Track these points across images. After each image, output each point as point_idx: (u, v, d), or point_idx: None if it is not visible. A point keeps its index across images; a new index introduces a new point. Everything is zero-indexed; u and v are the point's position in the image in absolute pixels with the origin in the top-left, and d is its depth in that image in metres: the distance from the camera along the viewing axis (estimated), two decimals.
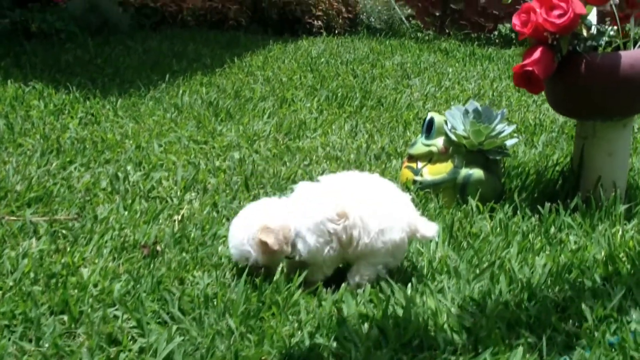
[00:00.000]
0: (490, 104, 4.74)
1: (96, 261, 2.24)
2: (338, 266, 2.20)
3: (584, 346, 1.86)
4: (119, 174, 3.00)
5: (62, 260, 2.20)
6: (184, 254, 2.32)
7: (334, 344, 1.84)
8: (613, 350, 1.84)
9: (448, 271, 2.27)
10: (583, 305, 2.01)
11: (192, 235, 2.47)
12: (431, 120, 2.95)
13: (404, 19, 8.94)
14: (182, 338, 1.84)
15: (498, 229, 2.63)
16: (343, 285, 2.13)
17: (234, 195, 2.89)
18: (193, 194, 2.90)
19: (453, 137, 2.89)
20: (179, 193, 2.89)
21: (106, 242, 2.37)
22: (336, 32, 8.09)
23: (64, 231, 2.45)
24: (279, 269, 2.20)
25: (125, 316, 1.92)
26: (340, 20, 8.24)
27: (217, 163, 3.28)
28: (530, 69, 2.61)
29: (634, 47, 2.75)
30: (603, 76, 2.68)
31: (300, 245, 2.11)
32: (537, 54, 2.63)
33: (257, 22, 7.93)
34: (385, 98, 4.78)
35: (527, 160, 3.42)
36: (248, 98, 4.56)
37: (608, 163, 2.83)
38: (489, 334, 1.88)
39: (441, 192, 2.90)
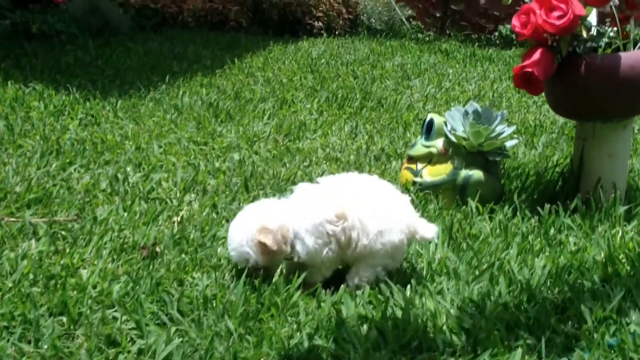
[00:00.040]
0: (490, 105, 4.74)
1: (95, 262, 2.24)
2: (337, 268, 2.20)
3: (583, 348, 1.86)
4: (119, 175, 3.00)
5: (62, 262, 2.20)
6: (183, 256, 2.32)
7: (333, 346, 1.84)
8: (612, 351, 1.83)
9: (447, 272, 2.27)
10: (582, 307, 2.01)
11: (192, 236, 2.47)
12: (431, 122, 2.95)
13: (404, 20, 8.94)
14: (181, 339, 1.84)
15: (497, 230, 2.63)
16: (342, 286, 2.12)
17: (233, 196, 2.89)
18: (192, 195, 2.90)
19: (453, 138, 2.89)
20: (178, 194, 2.89)
21: (105, 243, 2.37)
22: (337, 33, 8.09)
23: (63, 232, 2.45)
24: (278, 270, 2.19)
25: (124, 317, 1.92)
26: (341, 21, 8.24)
27: (217, 164, 3.28)
28: (530, 70, 2.61)
29: (634, 48, 2.75)
30: (603, 77, 2.67)
31: (299, 247, 2.11)
32: (536, 55, 2.63)
33: (257, 23, 7.93)
34: (386, 99, 4.78)
35: (527, 162, 3.42)
36: (248, 99, 4.57)
37: (608, 164, 2.83)
38: (488, 335, 1.87)
39: (441, 194, 2.90)
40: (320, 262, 2.12)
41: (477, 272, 2.26)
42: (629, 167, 3.00)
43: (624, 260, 2.34)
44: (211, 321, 1.92)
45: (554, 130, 4.17)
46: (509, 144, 2.97)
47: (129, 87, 4.62)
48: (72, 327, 1.89)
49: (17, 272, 2.11)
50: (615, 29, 2.75)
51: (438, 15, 8.65)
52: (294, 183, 2.80)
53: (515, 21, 2.69)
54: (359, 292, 2.11)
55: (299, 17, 7.97)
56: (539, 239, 2.56)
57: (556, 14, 2.58)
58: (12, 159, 3.13)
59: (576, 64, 2.68)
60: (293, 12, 7.95)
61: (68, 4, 6.25)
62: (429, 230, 2.20)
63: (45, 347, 1.79)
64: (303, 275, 2.11)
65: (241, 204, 2.73)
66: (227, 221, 2.53)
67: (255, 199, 2.77)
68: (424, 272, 2.29)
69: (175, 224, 2.60)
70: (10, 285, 2.04)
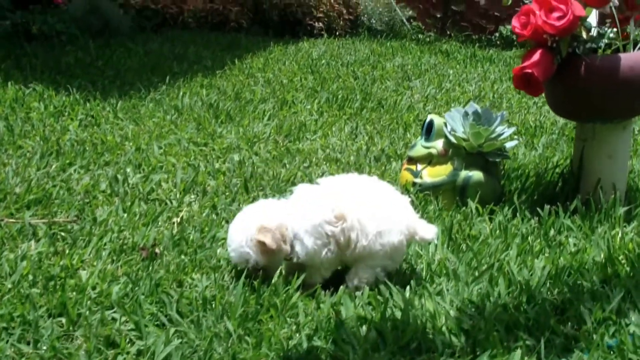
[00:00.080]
0: (490, 105, 4.74)
1: (95, 264, 2.24)
2: (336, 269, 2.20)
3: (583, 349, 1.86)
4: (119, 176, 3.00)
5: (61, 263, 2.20)
6: (182, 257, 2.32)
7: (332, 347, 1.84)
8: (611, 352, 1.83)
9: (447, 274, 2.27)
10: (582, 308, 2.01)
11: (191, 237, 2.47)
12: (431, 123, 2.95)
13: (405, 20, 8.95)
14: (180, 341, 1.84)
15: (497, 231, 2.63)
16: (341, 287, 2.12)
17: (233, 197, 2.89)
18: (192, 196, 2.91)
19: (453, 139, 2.89)
20: (178, 195, 2.89)
21: (105, 244, 2.37)
22: (337, 33, 8.09)
23: (62, 233, 2.45)
24: (277, 271, 2.19)
25: (123, 319, 1.92)
26: (341, 22, 8.24)
27: (217, 165, 3.28)
28: (529, 71, 2.60)
29: (634, 49, 2.75)
30: (602, 78, 2.67)
31: (298, 247, 2.11)
32: (536, 56, 2.63)
33: (258, 23, 7.93)
34: (386, 100, 4.78)
35: (527, 163, 3.42)
36: (248, 100, 4.57)
37: (608, 165, 2.83)
38: (488, 336, 1.87)
39: (441, 195, 2.90)
40: (320, 263, 2.12)
41: (476, 273, 2.26)
42: (628, 168, 3.00)
43: (623, 262, 2.34)
44: (210, 322, 1.92)
45: (554, 131, 4.17)
46: (508, 145, 2.98)
47: (129, 88, 4.62)
48: (71, 328, 1.89)
49: (16, 273, 2.11)
50: (615, 29, 2.75)
51: (439, 15, 8.64)
52: (294, 184, 2.80)
53: (515, 22, 2.69)
54: (358, 293, 2.11)
55: (299, 18, 7.97)
56: (539, 240, 2.56)
57: (556, 15, 2.58)
58: (12, 159, 3.13)
59: (576, 65, 2.68)
60: (293, 12, 7.95)
61: (68, 5, 6.26)
62: (428, 231, 2.20)
63: (45, 348, 1.79)
64: (302, 277, 2.12)
65: (241, 205, 2.73)
66: (227, 222, 2.53)
67: (255, 199, 2.77)
68: (424, 273, 2.29)
69: (175, 225, 2.60)
70: (9, 286, 2.04)
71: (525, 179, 3.10)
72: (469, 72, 6.13)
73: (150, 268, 2.22)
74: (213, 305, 2.01)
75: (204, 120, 3.98)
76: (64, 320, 1.91)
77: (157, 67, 5.42)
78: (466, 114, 2.93)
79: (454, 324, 1.95)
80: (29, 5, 5.95)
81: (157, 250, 2.36)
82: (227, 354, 1.80)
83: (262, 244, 2.08)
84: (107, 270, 2.18)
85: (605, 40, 2.76)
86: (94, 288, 2.07)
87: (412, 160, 3.01)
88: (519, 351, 1.81)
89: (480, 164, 2.89)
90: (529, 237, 2.57)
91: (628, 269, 2.29)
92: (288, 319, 1.97)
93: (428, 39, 8.17)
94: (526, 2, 2.70)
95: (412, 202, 2.42)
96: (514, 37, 7.85)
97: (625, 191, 2.88)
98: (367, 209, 2.10)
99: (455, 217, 2.74)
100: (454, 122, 2.92)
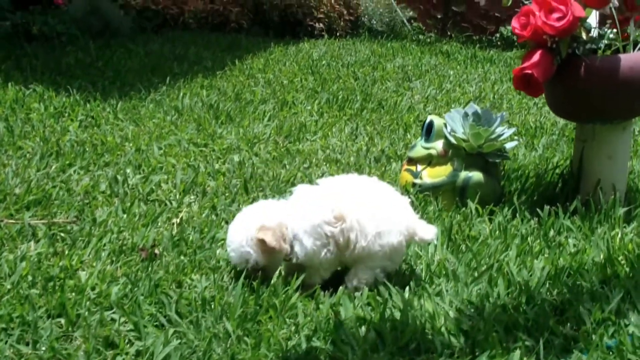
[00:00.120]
0: (491, 106, 4.74)
1: (94, 264, 2.24)
2: (336, 269, 2.20)
3: (582, 349, 1.85)
4: (118, 177, 3.00)
5: (60, 264, 2.20)
6: (182, 257, 2.32)
7: (331, 347, 1.84)
8: (611, 353, 1.83)
9: (446, 274, 2.27)
10: (581, 308, 2.01)
11: (191, 238, 2.47)
12: (431, 123, 2.95)
13: (405, 21, 8.95)
14: (179, 341, 1.84)
15: (497, 231, 2.63)
16: (341, 288, 2.12)
17: (233, 198, 2.89)
18: (192, 197, 2.91)
19: (452, 140, 2.89)
20: (178, 196, 2.89)
21: (104, 245, 2.37)
22: (337, 34, 8.09)
23: (62, 234, 2.45)
24: (277, 272, 2.19)
25: (122, 319, 1.92)
26: (342, 23, 8.24)
27: (217, 166, 3.28)
28: (529, 72, 2.60)
29: (634, 50, 2.75)
30: (602, 79, 2.67)
31: (297, 248, 2.11)
32: (536, 57, 2.63)
33: (258, 24, 7.93)
34: (386, 100, 4.78)
35: (527, 163, 3.41)
36: (249, 101, 4.57)
37: (608, 166, 2.83)
38: (487, 337, 1.87)
39: (440, 195, 2.90)
40: (319, 264, 2.12)
41: (476, 274, 2.26)
42: (628, 168, 3.00)
43: (623, 262, 2.34)
44: (209, 323, 1.92)
45: (555, 131, 4.17)
46: (508, 145, 2.98)
47: (130, 89, 4.62)
48: (70, 328, 1.89)
49: (15, 273, 2.11)
50: (615, 30, 2.75)
51: (439, 16, 8.65)
52: (294, 185, 2.80)
53: (514, 23, 2.69)
54: (357, 294, 2.11)
55: (299, 19, 7.97)
56: (539, 241, 2.56)
57: (556, 15, 2.58)
58: (11, 160, 3.14)
59: (576, 65, 2.67)
60: (294, 13, 7.96)
61: (69, 5, 6.26)
62: (428, 231, 2.20)
63: (44, 348, 1.79)
64: (302, 277, 2.12)
65: (241, 206, 2.73)
66: (227, 223, 2.53)
67: (254, 200, 2.77)
68: (423, 274, 2.29)
69: (175, 225, 2.60)
70: (8, 287, 2.04)
71: (525, 179, 3.10)
72: (469, 72, 6.13)
73: (150, 269, 2.22)
74: (212, 306, 2.01)
75: (204, 121, 3.98)
76: (63, 320, 1.91)
77: (157, 67, 5.43)
78: (466, 114, 2.93)
79: (453, 324, 1.95)
80: (29, 6, 5.95)
81: (156, 251, 2.36)
82: (226, 355, 1.80)
83: (262, 243, 2.08)
84: (106, 271, 2.18)
85: (605, 41, 2.76)
86: (93, 289, 2.07)
87: (412, 161, 3.01)
88: (518, 352, 1.81)
89: (480, 164, 2.89)
90: (529, 238, 2.57)
91: (627, 269, 2.29)
92: (287, 320, 1.97)
93: (428, 40, 8.17)
94: (526, 2, 2.70)
95: (412, 203, 2.42)
96: (515, 37, 7.85)
97: (625, 192, 2.88)
98: (366, 209, 2.10)
99: (455, 218, 2.74)
100: (454, 123, 2.92)
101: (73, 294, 2.03)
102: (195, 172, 3.12)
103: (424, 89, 5.27)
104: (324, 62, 6.16)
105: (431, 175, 2.93)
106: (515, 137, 3.78)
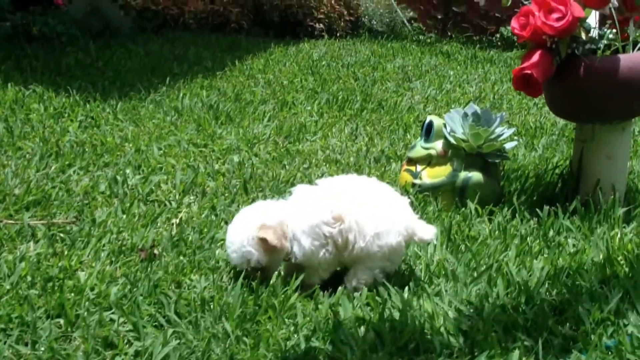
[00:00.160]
0: (491, 107, 4.74)
1: (93, 265, 2.24)
2: (335, 270, 2.20)
3: (581, 349, 1.85)
4: (118, 178, 3.00)
5: (60, 264, 2.20)
6: (181, 258, 2.32)
7: (330, 347, 1.84)
8: (610, 353, 1.83)
9: (446, 274, 2.27)
10: (580, 309, 2.01)
11: (190, 238, 2.47)
12: (430, 124, 2.95)
13: (405, 21, 8.95)
14: (178, 341, 1.84)
15: (496, 232, 2.63)
16: (340, 288, 2.12)
17: (232, 198, 2.89)
18: (192, 198, 2.91)
19: (452, 140, 2.89)
20: (177, 196, 2.89)
21: (104, 245, 2.38)
22: (338, 35, 8.09)
23: (61, 235, 2.45)
24: (276, 272, 2.19)
25: (121, 320, 1.92)
26: (342, 23, 8.24)
27: (217, 166, 3.28)
28: (529, 72, 2.60)
29: (633, 50, 2.74)
30: (602, 79, 2.67)
31: (295, 248, 2.11)
32: (535, 57, 2.63)
33: (258, 25, 7.93)
34: (386, 101, 4.78)
35: (527, 163, 3.41)
36: (248, 101, 4.57)
37: (607, 166, 2.83)
38: (486, 337, 1.87)
39: (440, 195, 2.90)
40: (317, 264, 2.12)
41: (475, 274, 2.26)
42: (628, 169, 3.00)
43: (622, 262, 2.34)
44: (208, 323, 1.92)
45: (555, 132, 4.17)
46: (508, 145, 2.98)
47: (129, 89, 4.62)
48: (69, 329, 1.89)
49: (15, 274, 2.11)
50: (614, 30, 2.75)
51: (439, 17, 8.65)
52: (293, 185, 2.79)
53: (514, 23, 2.69)
54: (356, 294, 2.11)
55: (300, 19, 7.97)
56: (538, 241, 2.56)
57: (555, 15, 2.58)
58: (11, 161, 3.14)
59: (575, 65, 2.67)
60: (294, 13, 7.96)
61: (69, 6, 6.25)
62: (427, 231, 2.20)
63: (43, 349, 1.79)
64: (301, 277, 2.12)
65: (240, 206, 2.73)
66: (226, 223, 2.53)
67: (254, 200, 2.77)
68: (422, 274, 2.29)
69: (174, 226, 2.60)
70: (8, 287, 2.04)
71: (524, 179, 3.10)
72: (469, 73, 6.13)
73: (149, 269, 2.22)
74: (211, 306, 2.01)
75: (204, 122, 3.98)
76: (62, 321, 1.91)
77: (157, 68, 5.43)
78: (465, 115, 2.93)
79: (452, 324, 1.95)
80: (29, 6, 5.94)
81: (155, 251, 2.36)
82: (224, 355, 1.80)
83: (264, 242, 2.08)
84: (105, 271, 2.18)
85: (605, 41, 2.76)
86: (92, 289, 2.07)
87: (411, 161, 3.01)
88: (517, 352, 1.81)
89: (480, 164, 2.89)
90: (528, 238, 2.57)
91: (627, 269, 2.29)
92: (286, 320, 1.97)
93: (429, 40, 8.17)
94: (525, 3, 2.70)
95: (412, 203, 2.42)
96: (515, 38, 7.84)
97: (624, 192, 2.88)
98: (365, 210, 2.10)
99: (455, 218, 2.74)
100: (454, 123, 2.92)
101: (72, 294, 2.03)
102: (194, 173, 3.12)
103: (424, 90, 5.27)
104: (324, 62, 6.16)
105: (431, 176, 2.93)
106: (515, 138, 3.78)
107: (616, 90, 2.67)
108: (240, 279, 2.08)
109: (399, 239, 2.11)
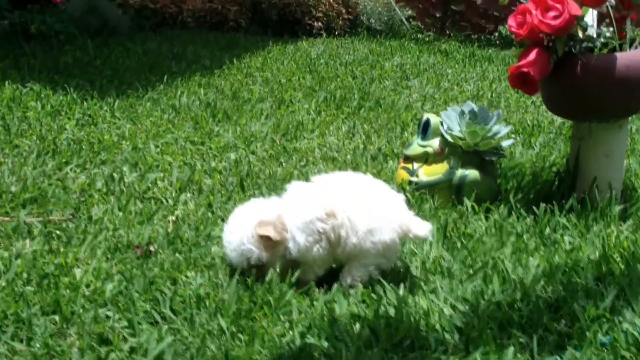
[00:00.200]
0: (489, 105, 4.74)
1: (89, 262, 2.24)
2: (330, 266, 2.20)
3: (576, 346, 1.86)
4: (115, 175, 3.00)
5: (56, 261, 2.20)
6: (177, 255, 2.32)
7: (325, 344, 1.84)
8: (604, 350, 1.83)
9: (441, 271, 2.27)
10: (575, 306, 2.01)
11: (186, 235, 2.47)
12: (427, 121, 2.96)
13: (404, 20, 8.94)
14: (173, 338, 1.84)
15: (493, 229, 2.63)
16: (335, 285, 2.13)
17: (229, 196, 2.89)
18: (188, 195, 2.90)
19: (449, 138, 2.89)
20: (174, 194, 2.89)
21: (100, 242, 2.38)
22: (336, 33, 8.08)
23: (58, 232, 2.46)
24: (271, 269, 2.19)
25: (116, 316, 1.93)
26: (341, 22, 8.23)
27: (213, 164, 3.28)
28: (525, 70, 2.61)
29: (630, 48, 2.74)
30: (599, 77, 2.67)
31: (290, 244, 2.11)
32: (532, 55, 2.63)
33: (257, 23, 7.92)
34: (384, 99, 4.78)
35: (524, 161, 3.41)
36: (246, 99, 4.57)
37: (604, 164, 2.83)
38: (481, 334, 1.88)
39: (437, 193, 2.90)
40: (312, 260, 2.12)
41: (471, 271, 2.26)
42: (624, 167, 3.00)
43: (618, 260, 2.34)
44: (203, 320, 1.93)
45: (552, 130, 4.17)
46: (505, 143, 2.98)
47: (127, 87, 4.62)
48: (64, 325, 1.89)
49: (10, 271, 2.11)
50: (611, 29, 2.75)
51: (438, 15, 8.64)
52: (290, 182, 2.80)
53: (511, 21, 2.70)
54: (352, 291, 2.11)
55: (298, 18, 7.96)
56: (534, 238, 2.56)
57: (552, 14, 2.58)
58: (8, 158, 3.13)
59: (572, 64, 2.68)
60: (292, 12, 7.94)
61: (67, 4, 6.25)
62: (422, 228, 2.19)
63: (38, 345, 1.79)
64: (297, 274, 2.12)
65: (237, 204, 2.71)
66: (222, 220, 2.53)
67: (250, 198, 2.76)
68: (418, 271, 2.29)
69: (171, 223, 2.60)
70: (3, 284, 2.05)
71: (521, 177, 3.10)
72: (467, 71, 6.13)
73: (145, 266, 2.22)
74: (207, 303, 2.01)
75: (201, 120, 3.98)
76: (57, 317, 1.91)
77: (155, 66, 5.42)
78: (462, 112, 2.93)
79: (448, 321, 1.95)
80: (27, 4, 5.94)
81: (151, 248, 2.36)
82: (220, 351, 1.80)
83: (265, 238, 2.08)
84: (101, 268, 2.18)
85: (602, 40, 2.76)
86: (87, 286, 2.07)
87: (408, 159, 3.01)
88: (511, 348, 1.81)
89: (477, 162, 2.89)
90: (524, 235, 2.57)
91: (622, 267, 2.29)
92: (281, 317, 1.97)
93: (427, 39, 8.16)
94: (523, 1, 2.70)
95: (408, 201, 2.42)
96: (513, 36, 7.84)
97: (620, 190, 2.89)
98: (359, 206, 2.10)
99: (451, 216, 2.74)
100: (450, 121, 2.92)
101: (68, 291, 2.03)
102: (191, 170, 3.13)
103: (422, 88, 5.27)
104: (322, 60, 6.16)
105: (427, 173, 2.93)
106: (512, 136, 3.79)
107: (613, 88, 2.68)
108: (236, 276, 2.08)
109: (393, 236, 2.11)
